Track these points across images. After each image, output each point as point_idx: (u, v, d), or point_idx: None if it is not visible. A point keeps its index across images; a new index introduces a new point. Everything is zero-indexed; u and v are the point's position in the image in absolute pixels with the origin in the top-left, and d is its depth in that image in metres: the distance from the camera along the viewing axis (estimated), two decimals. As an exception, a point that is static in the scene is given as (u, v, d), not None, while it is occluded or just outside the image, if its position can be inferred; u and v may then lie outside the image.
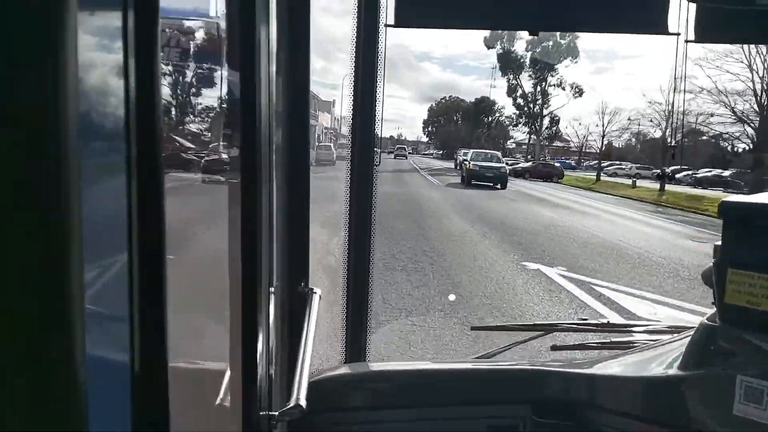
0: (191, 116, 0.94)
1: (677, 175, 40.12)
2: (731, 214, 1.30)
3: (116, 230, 0.47)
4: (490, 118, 74.40)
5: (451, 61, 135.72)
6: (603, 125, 47.42)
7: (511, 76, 61.27)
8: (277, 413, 1.01)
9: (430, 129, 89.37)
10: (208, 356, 1.02)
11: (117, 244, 0.47)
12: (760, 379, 1.22)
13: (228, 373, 0.97)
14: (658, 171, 43.51)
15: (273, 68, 1.08)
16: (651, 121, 42.96)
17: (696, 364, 1.35)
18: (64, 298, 0.34)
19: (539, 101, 60.17)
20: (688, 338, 1.39)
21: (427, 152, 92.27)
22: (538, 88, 60.25)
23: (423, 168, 43.39)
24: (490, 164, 27.19)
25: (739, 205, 1.34)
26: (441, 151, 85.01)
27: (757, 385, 1.22)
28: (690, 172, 42.25)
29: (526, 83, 61.33)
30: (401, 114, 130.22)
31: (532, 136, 61.34)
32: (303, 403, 1.00)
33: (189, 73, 0.90)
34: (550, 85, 59.86)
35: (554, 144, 64.13)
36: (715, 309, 1.33)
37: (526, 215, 16.13)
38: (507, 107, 79.65)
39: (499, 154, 31.87)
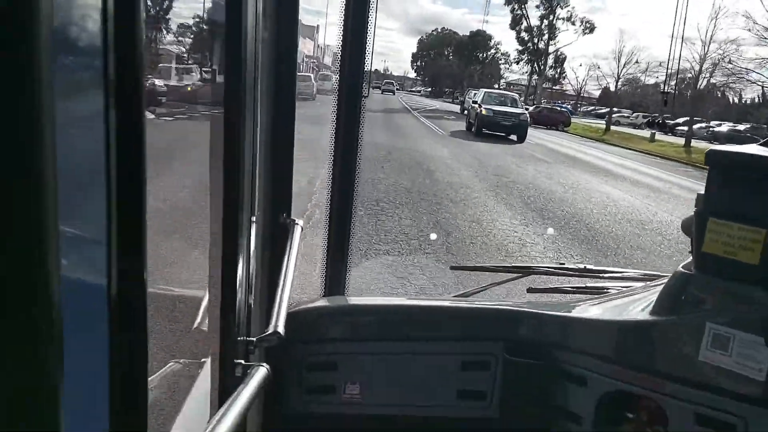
0: (173, 36, 0.73)
1: (680, 128, 36.14)
2: (715, 163, 1.32)
3: (93, 152, 0.43)
4: (485, 55, 68.08)
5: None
6: (619, 67, 41.96)
7: (516, 5, 54.39)
8: (255, 339, 1.02)
9: (419, 64, 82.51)
10: (187, 281, 1.06)
11: (93, 167, 0.44)
12: (728, 327, 1.27)
13: (206, 298, 1.01)
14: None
15: None
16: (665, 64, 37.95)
17: (668, 311, 1.38)
18: (38, 214, 0.32)
19: (545, 37, 53.82)
20: (662, 286, 1.43)
21: (413, 89, 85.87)
22: (545, 22, 53.74)
23: (416, 108, 37.67)
24: (506, 109, 21.54)
25: (724, 154, 1.34)
26: (429, 89, 78.91)
27: (724, 333, 1.27)
28: (703, 125, 38.33)
29: (533, 15, 54.78)
30: (387, 47, 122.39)
31: (533, 76, 55.31)
32: (281, 330, 1.00)
33: None
34: (559, 18, 53.40)
35: (554, 87, 58.56)
36: (691, 258, 1.37)
37: (584, 194, 11.21)
38: (505, 43, 73.19)
39: (516, 96, 25.56)
